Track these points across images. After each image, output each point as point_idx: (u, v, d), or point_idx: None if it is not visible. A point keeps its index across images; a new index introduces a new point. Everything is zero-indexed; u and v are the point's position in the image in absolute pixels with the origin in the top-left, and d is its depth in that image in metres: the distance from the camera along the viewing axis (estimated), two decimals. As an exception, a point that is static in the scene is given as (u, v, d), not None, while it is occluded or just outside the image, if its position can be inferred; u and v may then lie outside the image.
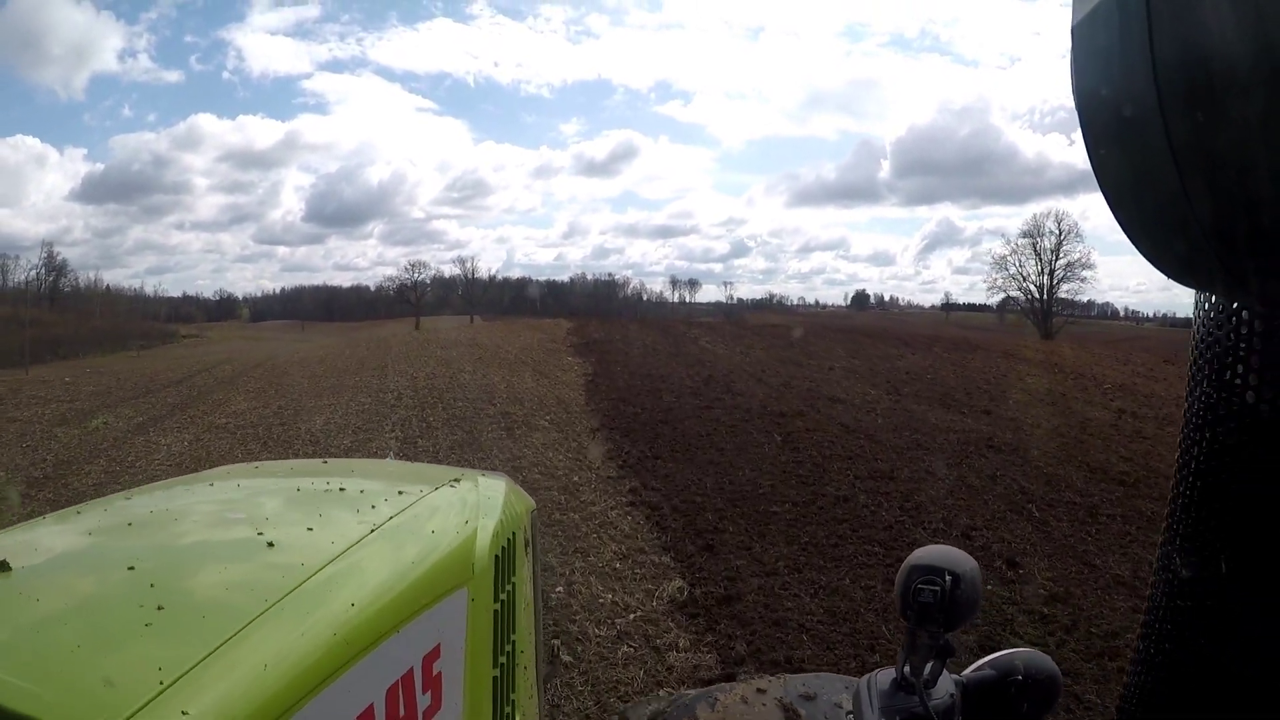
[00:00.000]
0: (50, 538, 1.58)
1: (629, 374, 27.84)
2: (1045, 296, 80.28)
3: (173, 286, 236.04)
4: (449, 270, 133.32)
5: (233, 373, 33.72)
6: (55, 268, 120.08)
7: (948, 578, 1.50)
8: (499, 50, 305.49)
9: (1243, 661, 0.84)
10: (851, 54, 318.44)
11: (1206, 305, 0.83)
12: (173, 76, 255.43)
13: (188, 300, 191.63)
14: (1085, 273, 77.86)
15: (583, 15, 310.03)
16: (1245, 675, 0.84)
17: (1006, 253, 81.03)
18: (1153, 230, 0.73)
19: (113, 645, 1.11)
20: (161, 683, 1.00)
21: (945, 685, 1.54)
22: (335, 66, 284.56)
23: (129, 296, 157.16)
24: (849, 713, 1.78)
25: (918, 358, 31.75)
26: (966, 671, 1.61)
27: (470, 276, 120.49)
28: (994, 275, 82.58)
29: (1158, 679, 0.96)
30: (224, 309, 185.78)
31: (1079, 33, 0.71)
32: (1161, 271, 0.75)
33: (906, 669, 1.53)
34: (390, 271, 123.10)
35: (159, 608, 1.17)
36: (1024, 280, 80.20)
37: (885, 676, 1.59)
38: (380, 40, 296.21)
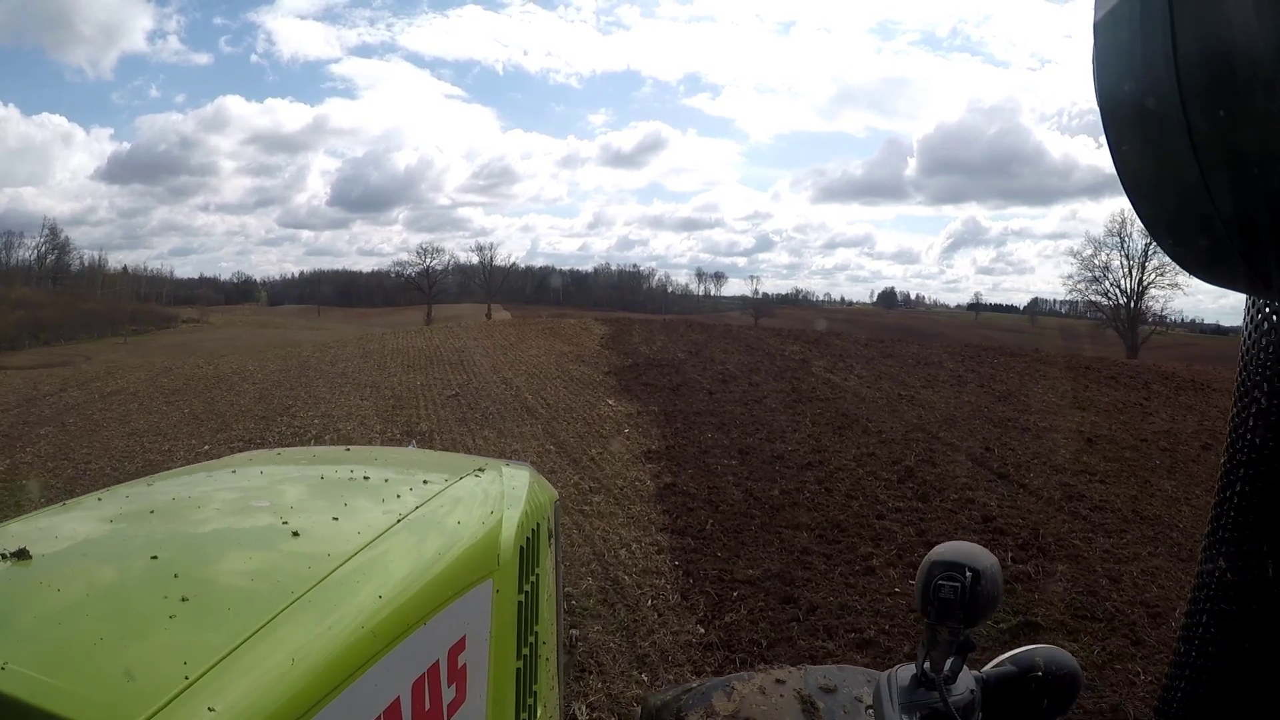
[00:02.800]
0: (71, 525, 1.49)
1: (740, 456, 15.03)
2: (1134, 303, 69.13)
3: (196, 268, 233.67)
4: (464, 256, 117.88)
5: (70, 402, 23.01)
6: (58, 246, 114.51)
7: (968, 574, 1.43)
8: (529, 39, 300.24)
9: None
10: (882, 51, 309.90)
11: (1256, 308, 0.80)
12: (202, 59, 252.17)
13: (204, 282, 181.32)
14: (1180, 277, 65.09)
15: (613, 6, 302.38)
16: None
17: (1091, 251, 71.35)
18: (1175, 226, 0.70)
19: (137, 638, 1.06)
20: (187, 677, 0.96)
21: (965, 681, 1.47)
22: (364, 51, 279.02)
23: (144, 277, 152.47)
24: (869, 707, 1.73)
25: (1163, 408, 21.19)
26: (987, 667, 1.53)
27: (489, 264, 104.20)
28: (1075, 277, 72.23)
29: (1199, 681, 0.91)
30: (242, 292, 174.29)
31: (1101, 29, 0.69)
32: (1183, 268, 0.72)
33: (927, 665, 1.45)
34: (411, 258, 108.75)
35: (183, 599, 1.12)
36: (1110, 284, 70.01)
37: (905, 672, 1.50)
38: (410, 26, 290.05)
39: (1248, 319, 0.81)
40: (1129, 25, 0.65)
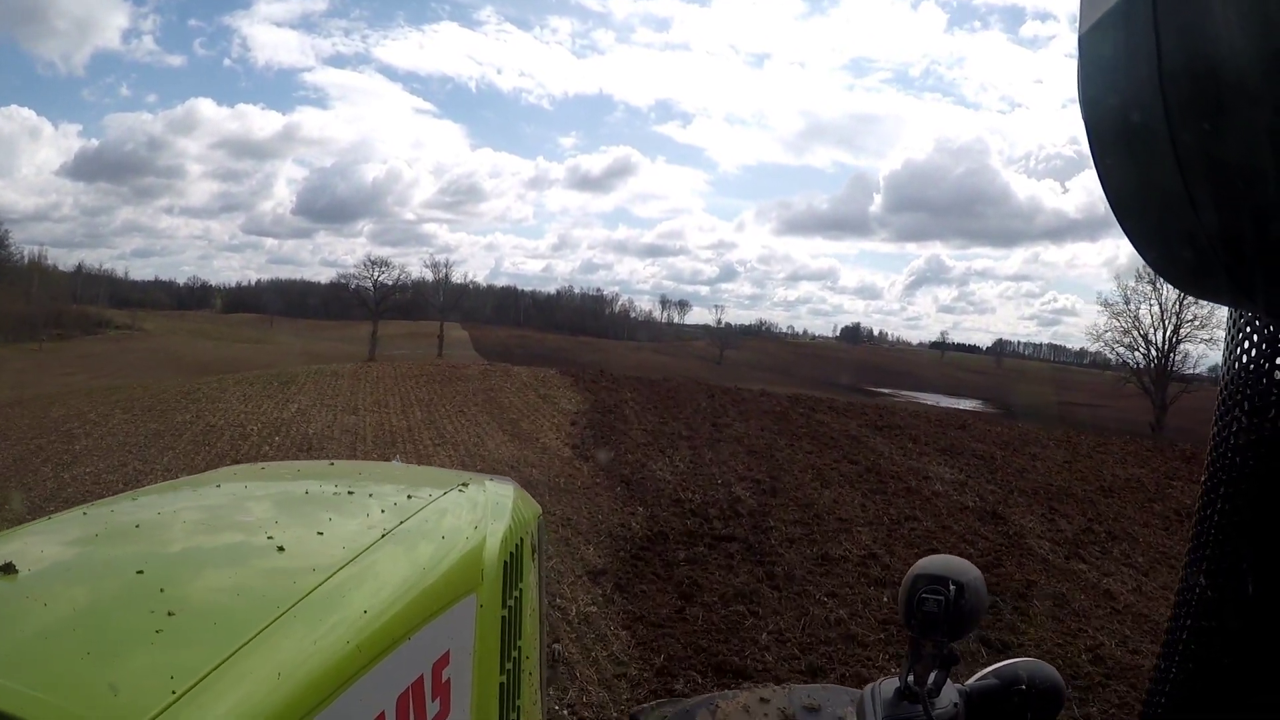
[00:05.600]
0: (56, 540, 1.43)
1: None
2: (1164, 357, 56.76)
3: (157, 271, 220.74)
4: (418, 271, 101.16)
5: None
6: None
7: (952, 587, 1.37)
8: (503, 58, 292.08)
9: (1266, 684, 0.77)
10: (854, 88, 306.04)
11: (1237, 324, 0.76)
12: (175, 60, 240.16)
13: (159, 285, 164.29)
14: (1220, 331, 50.44)
15: (589, 29, 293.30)
16: (1268, 698, 0.77)
17: (1123, 300, 58.86)
18: (1159, 239, 0.67)
19: (123, 652, 1.02)
20: (174, 692, 0.92)
21: (949, 695, 1.40)
22: (338, 62, 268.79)
23: (83, 276, 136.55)
24: None
25: None
26: (970, 681, 1.46)
27: (445, 281, 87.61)
28: (1103, 329, 60.09)
29: (1179, 697, 0.87)
30: (198, 297, 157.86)
31: (1086, 41, 0.66)
32: (1168, 281, 0.71)
33: (910, 678, 1.40)
34: (359, 271, 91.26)
35: (169, 614, 1.08)
36: (1140, 335, 57.27)
37: (889, 685, 1.44)
38: (385, 39, 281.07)
39: (1229, 334, 0.76)
40: (1114, 39, 0.62)
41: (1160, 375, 56.65)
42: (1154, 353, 56.92)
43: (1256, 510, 0.75)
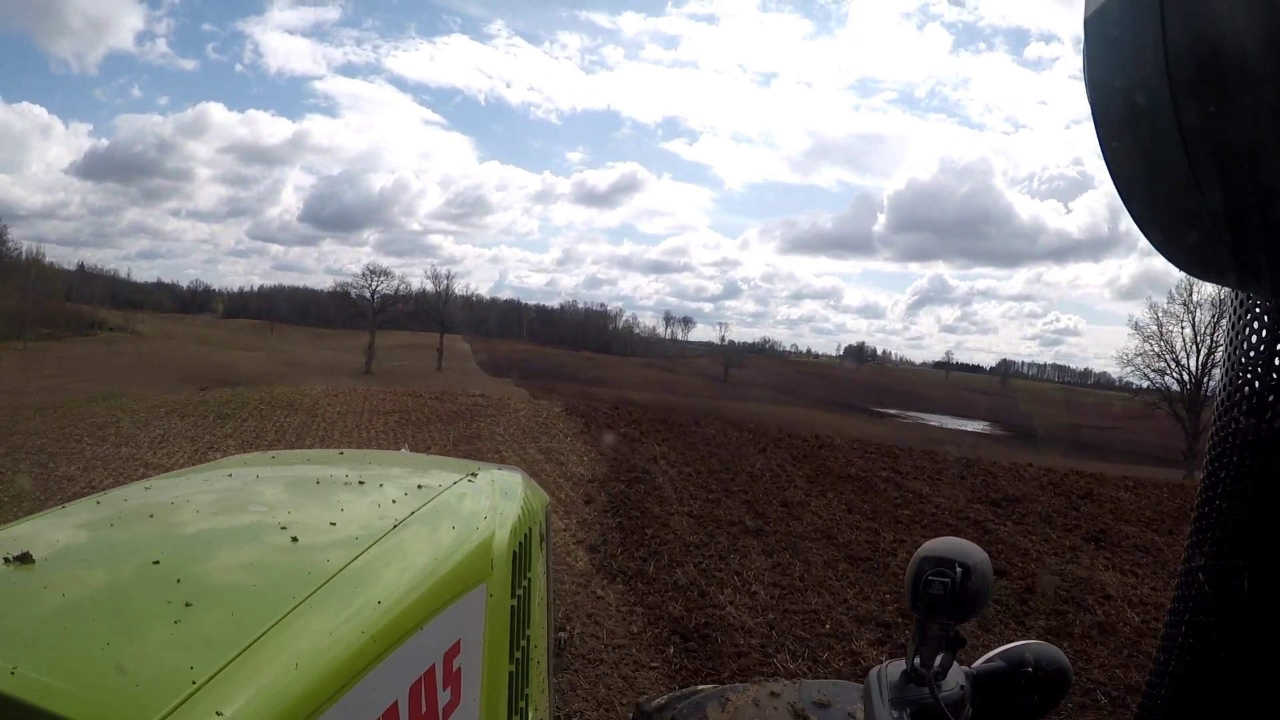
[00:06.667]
0: (71, 529, 1.42)
1: None
2: (1198, 383, 51.03)
3: (163, 273, 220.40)
4: (419, 283, 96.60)
5: None
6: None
7: (958, 569, 1.33)
8: (512, 72, 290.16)
9: (1264, 679, 0.77)
10: (860, 108, 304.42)
11: (1243, 306, 0.73)
12: (187, 63, 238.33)
13: (161, 287, 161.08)
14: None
15: (599, 45, 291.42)
16: (1267, 693, 0.76)
17: (1155, 322, 53.77)
18: (1164, 221, 0.67)
19: (143, 642, 1.01)
20: (194, 681, 0.91)
21: (955, 677, 1.37)
22: (349, 71, 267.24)
23: (81, 275, 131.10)
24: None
25: None
26: (977, 663, 1.43)
27: (446, 294, 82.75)
28: (1134, 353, 53.78)
29: (1178, 692, 0.87)
30: (200, 301, 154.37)
31: (1092, 25, 0.66)
32: (1173, 263, 0.70)
33: (916, 661, 1.36)
34: (356, 280, 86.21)
35: (187, 604, 1.07)
36: (1172, 359, 52.16)
37: (895, 668, 1.40)
38: (396, 49, 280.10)
39: (1232, 315, 0.74)
40: (1119, 21, 0.62)
41: (1194, 401, 51.91)
42: (1186, 377, 52.42)
43: (1259, 491, 0.72)
